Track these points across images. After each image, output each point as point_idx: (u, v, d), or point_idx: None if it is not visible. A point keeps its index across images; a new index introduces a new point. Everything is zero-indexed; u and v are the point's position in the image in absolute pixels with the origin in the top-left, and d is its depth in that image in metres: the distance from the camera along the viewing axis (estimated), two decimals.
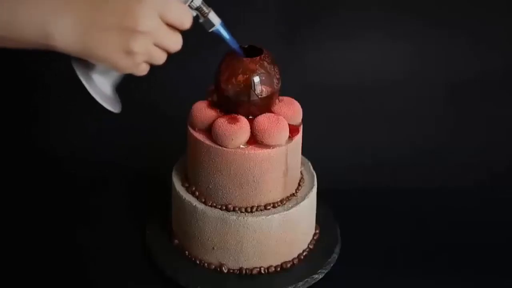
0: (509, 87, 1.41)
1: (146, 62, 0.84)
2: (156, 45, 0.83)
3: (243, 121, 1.00)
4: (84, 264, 1.09)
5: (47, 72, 1.35)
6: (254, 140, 1.00)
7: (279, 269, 1.06)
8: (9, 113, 1.36)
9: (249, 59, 0.99)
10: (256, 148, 1.00)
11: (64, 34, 0.78)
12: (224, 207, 1.03)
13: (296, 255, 1.08)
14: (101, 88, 0.87)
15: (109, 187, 1.27)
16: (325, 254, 1.09)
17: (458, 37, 1.39)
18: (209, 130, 1.02)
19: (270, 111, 1.03)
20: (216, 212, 1.03)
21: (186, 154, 1.09)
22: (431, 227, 1.20)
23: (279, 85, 1.02)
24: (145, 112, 1.36)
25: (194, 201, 1.05)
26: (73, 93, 1.37)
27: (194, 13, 0.89)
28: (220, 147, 1.00)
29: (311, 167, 1.13)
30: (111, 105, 0.89)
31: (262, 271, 1.04)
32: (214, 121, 1.01)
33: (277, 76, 1.01)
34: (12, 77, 1.36)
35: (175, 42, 0.84)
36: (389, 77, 1.40)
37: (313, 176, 1.12)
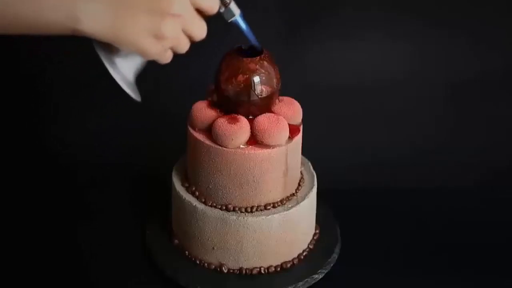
0: (509, 87, 1.41)
1: (172, 49, 0.82)
2: (184, 31, 0.81)
3: (243, 121, 1.00)
4: (84, 264, 1.09)
5: (48, 71, 1.35)
6: (254, 140, 1.00)
7: (279, 269, 1.06)
8: (10, 112, 1.36)
9: (249, 59, 0.99)
10: (256, 148, 1.00)
11: (93, 18, 0.75)
12: (224, 207, 1.03)
13: (296, 255, 1.08)
14: (124, 73, 0.86)
15: (109, 187, 1.27)
16: (325, 254, 1.09)
17: (458, 37, 1.39)
18: (209, 130, 1.02)
19: (270, 111, 1.03)
20: (216, 212, 1.03)
21: (186, 154, 1.09)
22: (431, 227, 1.20)
23: (279, 85, 1.02)
24: (145, 112, 1.36)
25: (194, 201, 1.05)
26: (74, 92, 1.38)
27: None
28: (220, 147, 1.00)
29: (311, 167, 1.13)
30: (134, 91, 0.87)
31: (262, 271, 1.04)
32: (214, 121, 1.01)
33: (277, 76, 1.01)
34: (13, 75, 1.36)
35: (202, 29, 0.83)
36: (389, 77, 1.40)
37: (313, 176, 1.12)
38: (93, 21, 0.76)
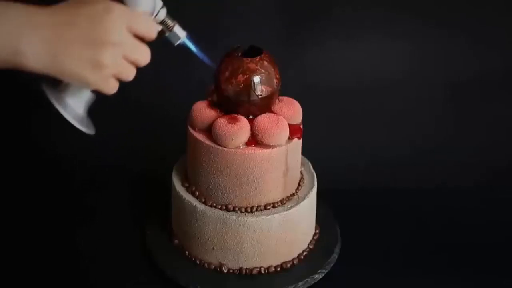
0: (508, 87, 1.41)
1: (116, 77, 0.82)
2: (125, 58, 0.81)
3: (243, 121, 1.00)
4: (84, 264, 1.09)
5: None
6: (254, 140, 1.00)
7: (279, 269, 1.06)
8: (9, 113, 1.36)
9: (249, 59, 1.00)
10: (256, 148, 1.00)
11: (33, 51, 0.76)
12: (224, 207, 1.03)
13: (296, 255, 1.08)
14: (75, 110, 0.86)
15: (109, 187, 1.27)
16: (325, 254, 1.09)
17: (457, 37, 1.39)
18: (209, 130, 1.02)
19: (270, 111, 1.03)
20: (216, 212, 1.03)
21: (186, 154, 1.09)
22: (430, 227, 1.20)
23: (279, 85, 1.02)
24: (145, 112, 1.36)
25: (194, 201, 1.05)
26: None
27: (159, 28, 0.89)
28: (220, 147, 1.00)
29: (311, 167, 1.14)
30: (86, 126, 0.88)
31: (262, 271, 1.05)
32: (214, 121, 1.01)
33: (277, 76, 1.01)
34: (12, 76, 1.36)
35: (144, 54, 0.83)
36: (389, 77, 1.40)
37: (313, 176, 1.12)
38: (33, 54, 0.76)
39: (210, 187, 1.03)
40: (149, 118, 1.35)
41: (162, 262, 1.07)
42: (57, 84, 0.84)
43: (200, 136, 1.03)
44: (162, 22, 0.88)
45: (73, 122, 0.85)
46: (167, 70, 1.29)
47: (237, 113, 1.01)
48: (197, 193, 1.05)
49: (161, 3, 0.87)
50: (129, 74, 0.83)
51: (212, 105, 1.04)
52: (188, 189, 1.07)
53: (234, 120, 1.00)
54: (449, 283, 1.08)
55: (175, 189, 1.08)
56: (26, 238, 1.14)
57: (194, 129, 1.04)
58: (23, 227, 1.17)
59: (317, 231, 1.13)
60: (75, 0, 0.79)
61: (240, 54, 1.01)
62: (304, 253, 1.09)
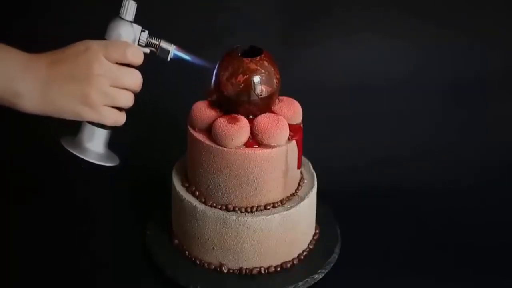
0: (509, 87, 1.41)
1: (111, 106, 0.88)
2: (115, 86, 0.87)
3: (243, 121, 1.00)
4: (84, 264, 1.09)
5: None
6: (254, 140, 1.00)
7: (279, 269, 1.06)
8: (10, 112, 1.36)
9: (249, 59, 1.00)
10: (256, 148, 1.00)
11: (29, 93, 0.83)
12: (224, 207, 1.03)
13: (296, 255, 1.08)
14: (94, 151, 0.93)
15: (109, 187, 1.27)
16: (325, 254, 1.09)
17: (458, 36, 1.39)
18: (209, 130, 1.02)
19: (270, 111, 1.03)
20: (216, 212, 1.03)
21: (186, 154, 1.09)
22: (431, 227, 1.20)
23: (279, 85, 1.02)
24: (145, 112, 1.36)
25: (194, 201, 1.05)
26: None
27: (148, 50, 0.93)
28: (220, 147, 1.00)
29: (311, 167, 1.14)
30: (109, 161, 0.95)
31: (262, 271, 1.04)
32: (214, 121, 1.01)
33: (277, 76, 1.01)
34: None
35: (133, 80, 0.89)
36: (389, 77, 1.40)
37: (313, 176, 1.12)
38: (30, 97, 0.83)
39: (210, 187, 1.03)
40: (149, 118, 1.35)
41: (162, 262, 1.07)
42: (73, 135, 0.93)
43: (200, 136, 1.03)
44: (147, 44, 0.93)
45: (96, 162, 0.93)
46: (167, 70, 1.28)
47: (237, 113, 1.01)
48: (197, 193, 1.05)
49: (139, 28, 0.92)
50: (125, 100, 0.89)
51: (212, 105, 1.04)
52: (188, 189, 1.07)
53: (234, 120, 1.00)
54: (449, 283, 1.08)
55: (175, 189, 1.08)
56: (26, 237, 1.14)
57: (194, 129, 1.04)
58: (23, 226, 1.17)
59: (317, 231, 1.13)
60: (62, 48, 0.87)
61: (240, 54, 1.01)
62: (304, 253, 1.09)
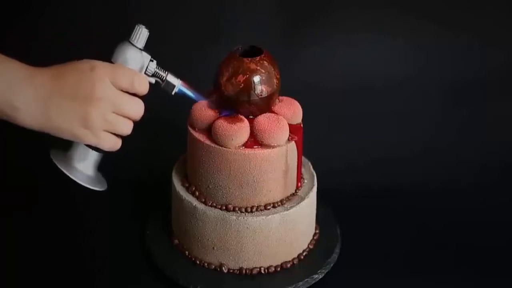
0: (509, 87, 1.41)
1: (109, 131, 0.85)
2: (116, 113, 0.84)
3: (243, 121, 1.00)
4: (84, 264, 1.09)
5: None
6: (254, 140, 1.00)
7: (279, 269, 1.06)
8: None
9: (249, 59, 1.00)
10: (256, 148, 1.00)
11: (26, 107, 0.80)
12: (224, 207, 1.03)
13: (296, 255, 1.08)
14: (83, 172, 0.90)
15: (109, 187, 1.27)
16: (325, 254, 1.09)
17: (458, 36, 1.39)
18: (209, 130, 1.02)
19: (270, 111, 1.03)
20: (216, 212, 1.03)
21: (186, 154, 1.09)
22: (431, 227, 1.20)
23: (279, 85, 1.02)
24: (145, 112, 1.36)
25: (194, 201, 1.05)
26: None
27: (153, 80, 0.91)
28: (220, 147, 1.00)
29: (311, 167, 1.13)
30: (97, 185, 0.91)
31: (262, 271, 1.04)
32: (214, 121, 1.01)
33: (277, 76, 1.01)
34: None
35: (135, 109, 0.86)
36: (389, 77, 1.40)
37: (313, 176, 1.12)
38: (27, 109, 0.80)
39: (210, 187, 1.03)
40: (149, 118, 1.35)
41: (162, 262, 1.07)
42: (65, 150, 0.89)
43: (200, 136, 1.03)
44: (154, 75, 0.91)
45: (84, 184, 0.89)
46: (167, 70, 1.28)
47: (237, 113, 1.01)
48: (197, 193, 1.05)
49: (149, 57, 0.89)
50: (124, 128, 0.86)
51: (212, 105, 1.04)
52: (188, 189, 1.07)
53: (234, 120, 1.00)
54: (449, 283, 1.08)
55: (175, 189, 1.08)
56: (26, 237, 1.14)
57: (194, 129, 1.04)
58: (24, 225, 1.17)
59: (317, 231, 1.13)
60: (66, 63, 0.83)
61: (240, 54, 1.01)
62: (304, 253, 1.09)
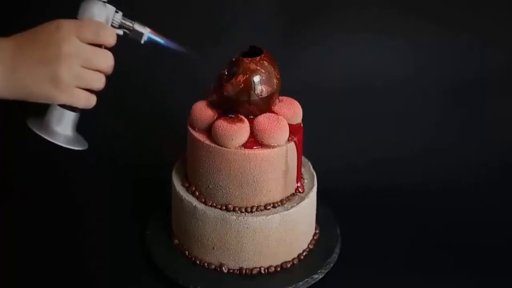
0: (509, 87, 1.41)
1: (83, 87, 0.84)
2: (86, 67, 0.83)
3: (243, 121, 1.00)
4: (84, 264, 1.09)
5: None
6: (254, 140, 1.00)
7: (279, 269, 1.06)
8: (10, 112, 1.36)
9: (249, 59, 1.00)
10: (256, 148, 1.00)
11: None
12: (224, 207, 1.03)
13: (296, 255, 1.08)
14: (63, 133, 0.89)
15: (109, 187, 1.27)
16: (325, 254, 1.09)
17: (458, 36, 1.39)
18: (209, 130, 1.02)
19: (270, 111, 1.03)
20: (216, 212, 1.03)
21: (186, 154, 1.09)
22: (431, 227, 1.20)
23: (279, 85, 1.02)
24: (145, 112, 1.36)
25: (194, 201, 1.05)
26: None
27: (121, 32, 0.90)
28: (220, 147, 1.00)
29: (311, 167, 1.13)
30: (78, 144, 0.91)
31: (262, 271, 1.04)
32: (214, 121, 1.01)
33: (277, 76, 1.01)
34: None
35: (104, 60, 0.85)
36: (389, 77, 1.40)
37: (313, 176, 1.12)
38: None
39: (210, 187, 1.03)
40: (149, 118, 1.35)
41: (162, 262, 1.07)
42: (40, 117, 0.88)
43: (200, 136, 1.03)
44: (121, 26, 0.90)
45: (65, 146, 0.88)
46: (167, 70, 1.29)
47: (237, 113, 1.01)
48: (197, 193, 1.05)
49: (113, 8, 0.89)
50: (96, 82, 0.85)
51: (212, 105, 1.04)
52: (188, 189, 1.07)
53: (234, 120, 1.00)
54: (449, 283, 1.08)
55: (175, 189, 1.08)
56: (27, 236, 1.14)
57: (194, 129, 1.04)
58: (24, 225, 1.17)
59: (317, 231, 1.13)
60: (33, 28, 0.83)
61: (240, 54, 1.01)
62: (304, 253, 1.09)
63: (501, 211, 1.24)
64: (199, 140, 1.02)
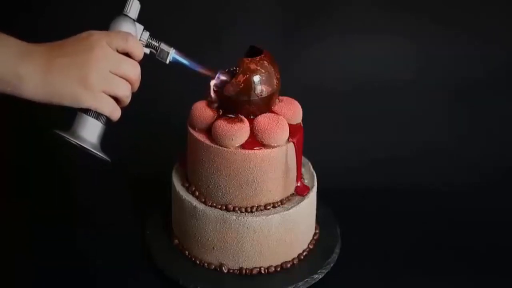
0: (510, 87, 1.41)
1: (108, 92, 0.87)
2: (113, 72, 0.86)
3: (243, 121, 1.00)
4: (84, 264, 1.09)
5: None
6: (254, 140, 1.00)
7: (279, 269, 1.06)
8: (10, 112, 1.36)
9: (249, 59, 1.00)
10: (256, 148, 1.00)
11: (29, 76, 0.83)
12: (224, 207, 1.03)
13: (296, 255, 1.08)
14: (89, 140, 0.91)
15: (109, 187, 1.27)
16: (325, 254, 1.09)
17: (460, 36, 1.40)
18: (209, 130, 1.02)
19: (270, 111, 1.03)
20: (216, 212, 1.03)
21: (186, 154, 1.09)
22: (431, 227, 1.20)
23: (279, 85, 1.02)
24: (145, 112, 1.36)
25: (194, 201, 1.05)
26: None
27: (148, 51, 0.94)
28: (220, 147, 1.00)
29: (311, 167, 1.14)
30: (104, 154, 0.93)
31: (262, 271, 1.04)
32: (214, 121, 1.01)
33: (277, 76, 1.01)
34: None
35: (131, 69, 0.88)
36: (389, 78, 1.40)
37: (313, 176, 1.12)
38: (31, 81, 0.83)
39: (210, 187, 1.03)
40: (149, 118, 1.35)
41: (162, 262, 1.07)
42: (67, 128, 0.90)
43: (200, 136, 1.03)
44: (148, 45, 0.94)
45: (94, 151, 0.91)
46: (167, 70, 1.28)
47: (237, 113, 1.01)
48: (197, 193, 1.05)
49: (142, 27, 0.93)
50: (122, 89, 0.88)
51: (212, 105, 1.04)
52: (188, 189, 1.07)
53: (234, 120, 1.00)
54: (449, 283, 1.08)
55: (175, 189, 1.08)
56: (27, 236, 1.14)
57: (194, 129, 1.04)
58: (24, 225, 1.17)
59: (317, 231, 1.13)
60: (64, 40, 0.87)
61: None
62: (304, 253, 1.09)
63: (501, 211, 1.24)
64: (199, 140, 1.02)
